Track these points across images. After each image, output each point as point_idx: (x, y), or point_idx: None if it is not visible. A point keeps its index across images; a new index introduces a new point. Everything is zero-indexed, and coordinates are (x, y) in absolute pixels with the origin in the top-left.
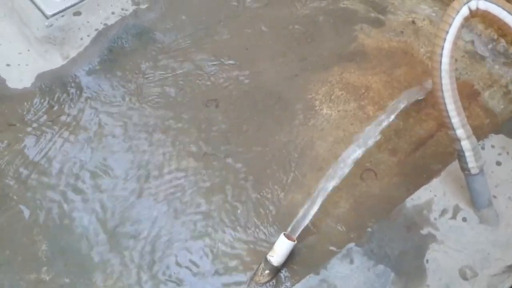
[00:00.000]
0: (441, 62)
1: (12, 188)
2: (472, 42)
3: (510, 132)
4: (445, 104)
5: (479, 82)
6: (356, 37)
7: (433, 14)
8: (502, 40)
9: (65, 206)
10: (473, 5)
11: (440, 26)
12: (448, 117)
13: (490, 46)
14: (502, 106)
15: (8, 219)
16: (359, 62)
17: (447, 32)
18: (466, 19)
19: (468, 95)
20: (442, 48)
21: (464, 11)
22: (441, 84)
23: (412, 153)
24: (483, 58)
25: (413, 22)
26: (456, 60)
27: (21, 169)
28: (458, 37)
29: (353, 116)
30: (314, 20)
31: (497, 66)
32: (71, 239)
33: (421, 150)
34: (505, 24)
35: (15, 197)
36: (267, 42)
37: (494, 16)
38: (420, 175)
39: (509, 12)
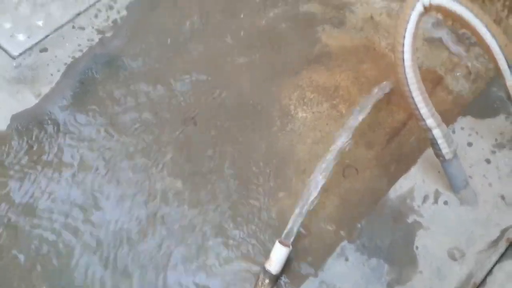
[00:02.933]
0: (403, 58)
1: (2, 235)
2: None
3: (476, 112)
4: (412, 97)
5: (441, 67)
6: (320, 39)
7: (390, 7)
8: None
9: (60, 245)
10: (426, 1)
11: (398, 23)
12: (417, 108)
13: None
14: (465, 88)
15: (4, 267)
16: (325, 63)
17: (406, 29)
18: (422, 15)
19: (432, 81)
20: (403, 45)
21: (419, 8)
22: (406, 79)
23: (387, 144)
24: (442, 43)
25: (371, 17)
26: (416, 49)
27: (9, 214)
28: (416, 32)
29: (328, 116)
30: (277, 28)
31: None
32: (71, 278)
33: (396, 140)
34: (458, 15)
35: (7, 244)
36: (235, 54)
37: (447, 10)
38: (398, 164)
39: (460, 4)
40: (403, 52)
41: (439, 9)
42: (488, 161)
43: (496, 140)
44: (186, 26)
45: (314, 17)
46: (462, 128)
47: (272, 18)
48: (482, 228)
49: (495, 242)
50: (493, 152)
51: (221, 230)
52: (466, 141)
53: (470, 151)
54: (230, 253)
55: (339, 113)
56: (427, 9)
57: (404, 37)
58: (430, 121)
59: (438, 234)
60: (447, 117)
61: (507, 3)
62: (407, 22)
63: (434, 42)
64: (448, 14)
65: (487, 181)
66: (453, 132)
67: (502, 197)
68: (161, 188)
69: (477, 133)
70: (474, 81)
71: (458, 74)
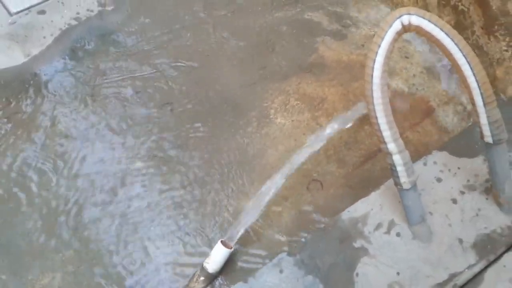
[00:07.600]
0: (372, 75)
1: None
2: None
3: (454, 149)
4: (376, 117)
5: (435, 98)
6: (317, 49)
7: None
8: None
9: (10, 203)
10: (405, 20)
11: (373, 40)
12: (380, 130)
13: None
14: (455, 124)
15: None
16: (317, 74)
17: (379, 46)
18: (399, 34)
19: (423, 110)
20: (374, 62)
21: (397, 26)
22: (373, 98)
23: (360, 165)
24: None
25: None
26: (414, 75)
27: None
28: (390, 51)
29: (306, 127)
30: (278, 30)
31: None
32: (13, 236)
33: (370, 163)
34: (437, 40)
35: None
36: (229, 49)
37: (427, 32)
38: (366, 188)
39: (441, 29)
40: (373, 68)
41: (419, 30)
42: (454, 201)
43: (468, 181)
44: (188, 14)
45: (317, 27)
46: (435, 163)
47: (275, 19)
48: (430, 268)
49: (440, 286)
50: (462, 193)
51: (171, 222)
52: (436, 176)
53: (438, 187)
54: (175, 248)
55: (319, 126)
56: (405, 29)
57: (376, 53)
58: (391, 146)
59: (383, 265)
60: (427, 151)
61: None
62: (382, 38)
63: (433, 72)
64: (427, 37)
65: (448, 221)
66: (425, 164)
67: (460, 241)
68: (120, 168)
69: (449, 170)
70: (466, 119)
71: (451, 109)
